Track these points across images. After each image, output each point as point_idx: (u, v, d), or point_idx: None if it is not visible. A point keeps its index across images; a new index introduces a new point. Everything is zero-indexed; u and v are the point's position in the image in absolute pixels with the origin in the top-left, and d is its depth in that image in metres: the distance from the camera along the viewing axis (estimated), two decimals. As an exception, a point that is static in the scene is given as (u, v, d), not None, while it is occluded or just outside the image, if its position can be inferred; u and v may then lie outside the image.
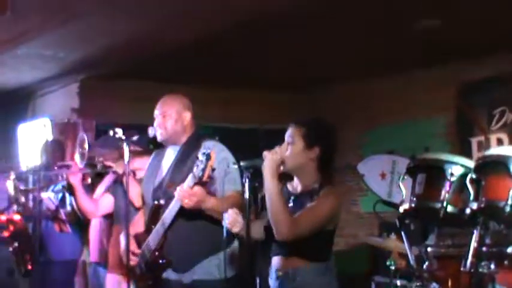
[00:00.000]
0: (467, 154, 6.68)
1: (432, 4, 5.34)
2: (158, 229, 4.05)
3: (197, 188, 3.85)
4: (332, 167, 3.70)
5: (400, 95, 7.72)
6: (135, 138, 4.28)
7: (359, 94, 8.13)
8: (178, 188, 3.88)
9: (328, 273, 3.60)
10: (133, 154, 4.71)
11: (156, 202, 4.12)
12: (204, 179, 3.75)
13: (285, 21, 5.74)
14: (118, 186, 5.10)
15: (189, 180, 3.81)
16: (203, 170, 3.72)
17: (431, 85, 7.40)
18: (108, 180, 5.53)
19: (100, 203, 5.33)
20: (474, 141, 7.06)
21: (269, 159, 3.49)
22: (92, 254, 5.62)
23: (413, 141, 7.41)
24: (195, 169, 3.75)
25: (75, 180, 5.26)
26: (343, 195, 3.69)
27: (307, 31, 6.06)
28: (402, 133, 7.66)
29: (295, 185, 3.71)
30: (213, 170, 3.78)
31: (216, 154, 3.93)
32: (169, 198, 3.98)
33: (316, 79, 8.00)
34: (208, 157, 3.71)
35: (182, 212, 3.91)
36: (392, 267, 4.57)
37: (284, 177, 3.81)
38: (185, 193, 3.83)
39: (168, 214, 3.98)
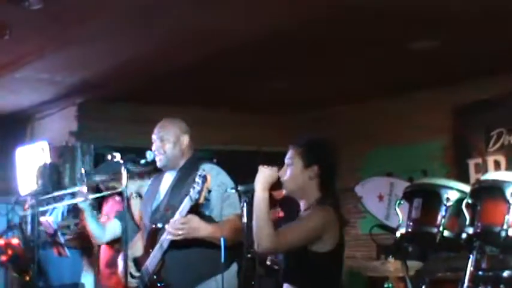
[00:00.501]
0: (465, 176, 6.71)
1: (429, 27, 5.37)
2: (156, 253, 4.07)
3: (191, 217, 3.88)
4: (333, 186, 3.68)
5: (398, 118, 7.73)
6: (138, 161, 4.31)
7: (358, 116, 8.14)
8: (171, 221, 3.92)
9: None
10: (142, 174, 4.76)
11: (153, 226, 4.14)
12: (200, 201, 3.78)
13: (284, 45, 5.77)
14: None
15: (186, 203, 3.84)
16: (199, 192, 3.76)
17: (429, 107, 7.42)
18: (112, 202, 5.57)
19: (107, 228, 5.33)
20: (471, 164, 7.06)
21: (263, 172, 3.48)
22: (102, 278, 5.60)
23: (411, 163, 7.42)
24: (191, 191, 3.79)
25: (85, 205, 5.28)
26: (337, 215, 3.65)
27: (306, 54, 6.09)
28: (400, 155, 7.68)
29: (301, 207, 3.66)
30: (209, 191, 3.80)
31: (213, 177, 3.97)
32: (167, 221, 4.00)
33: (316, 102, 8.03)
34: (204, 179, 3.75)
35: None
36: (390, 290, 4.58)
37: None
38: (177, 223, 3.88)
39: (166, 238, 4.00)
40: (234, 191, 3.66)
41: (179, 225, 3.90)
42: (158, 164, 4.24)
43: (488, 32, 5.50)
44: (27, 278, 5.95)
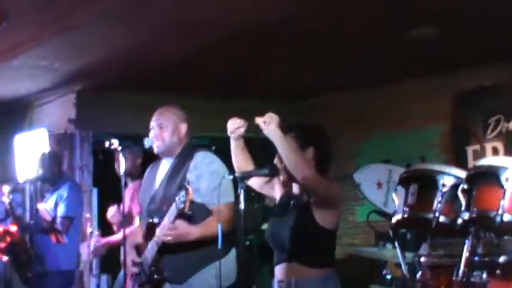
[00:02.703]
0: (463, 163, 6.72)
1: (428, 15, 5.38)
2: (153, 246, 4.11)
3: (178, 223, 3.94)
4: (328, 169, 3.70)
5: (396, 105, 7.75)
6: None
7: (356, 104, 8.16)
8: (161, 225, 3.98)
9: (332, 281, 3.59)
10: None
11: (150, 220, 4.17)
12: (186, 210, 3.81)
13: (282, 34, 5.78)
14: None
15: (172, 209, 3.87)
16: (184, 202, 3.79)
17: (427, 95, 7.43)
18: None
19: None
20: (470, 150, 7.09)
21: (272, 117, 3.51)
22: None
23: (409, 150, 7.45)
24: (177, 199, 3.82)
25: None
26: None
27: (306, 43, 6.10)
28: (398, 143, 7.70)
29: (294, 189, 3.70)
30: (192, 202, 3.83)
31: (205, 166, 4.05)
32: (163, 216, 4.03)
33: (314, 90, 8.05)
34: (187, 191, 3.77)
35: None
36: (389, 277, 4.60)
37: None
38: (165, 229, 3.94)
39: (161, 233, 4.03)
40: (230, 177, 3.69)
41: (167, 231, 3.95)
42: (155, 151, 4.25)
43: (486, 21, 5.53)
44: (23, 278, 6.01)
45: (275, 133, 3.50)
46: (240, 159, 3.82)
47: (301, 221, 3.58)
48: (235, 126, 3.69)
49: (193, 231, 3.99)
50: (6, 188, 6.05)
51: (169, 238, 3.96)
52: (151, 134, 4.24)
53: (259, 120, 3.55)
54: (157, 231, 4.03)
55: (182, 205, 3.79)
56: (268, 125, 3.51)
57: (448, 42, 6.10)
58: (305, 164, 3.50)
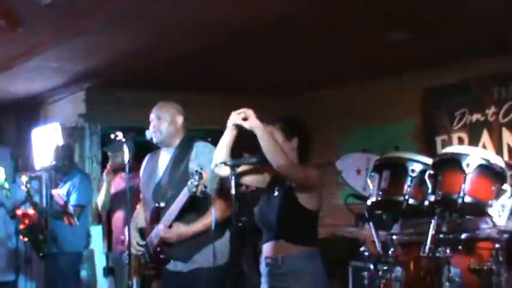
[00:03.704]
0: (433, 151, 6.76)
1: (402, 17, 5.41)
2: (158, 232, 4.12)
3: (176, 225, 4.01)
4: (310, 157, 3.72)
5: (373, 100, 7.78)
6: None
7: (337, 100, 8.19)
8: (158, 227, 4.06)
9: (315, 258, 3.60)
10: None
11: (156, 205, 4.19)
12: (197, 194, 3.81)
13: (274, 33, 5.75)
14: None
15: (184, 193, 3.89)
16: (196, 186, 3.79)
17: (401, 91, 7.48)
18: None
19: None
20: (439, 140, 7.14)
21: (249, 112, 3.52)
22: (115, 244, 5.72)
23: (385, 141, 7.47)
24: (189, 183, 3.81)
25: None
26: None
27: (291, 43, 6.10)
28: (376, 134, 7.73)
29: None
30: (205, 187, 3.84)
31: (206, 154, 4.04)
32: (168, 200, 4.06)
33: (299, 86, 8.07)
34: (200, 176, 3.77)
35: (179, 216, 4.02)
36: (366, 253, 4.64)
37: None
38: (163, 233, 4.02)
39: (167, 217, 4.06)
40: (223, 165, 3.72)
41: (166, 235, 4.02)
42: (154, 141, 4.26)
43: (450, 26, 5.59)
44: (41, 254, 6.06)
45: (258, 125, 3.49)
46: (228, 149, 3.71)
47: (286, 203, 3.60)
48: (241, 116, 3.57)
49: (190, 230, 4.04)
50: (24, 178, 6.11)
51: (169, 241, 4.04)
52: (151, 125, 4.27)
53: (237, 117, 3.54)
54: (158, 230, 4.08)
55: (194, 189, 3.77)
56: (250, 119, 3.51)
57: (420, 44, 6.14)
58: (282, 154, 3.47)
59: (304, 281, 3.55)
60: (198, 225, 4.04)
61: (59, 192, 6.01)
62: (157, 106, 4.32)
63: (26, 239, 6.25)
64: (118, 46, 6.07)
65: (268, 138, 3.49)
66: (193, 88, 7.60)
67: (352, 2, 4.98)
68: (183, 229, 4.02)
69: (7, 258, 7.76)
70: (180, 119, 4.28)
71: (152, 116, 4.28)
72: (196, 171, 3.78)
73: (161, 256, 4.12)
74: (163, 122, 4.23)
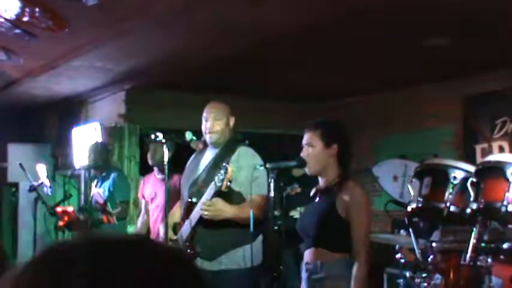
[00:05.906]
0: (472, 160, 6.67)
1: (441, 23, 5.34)
2: (188, 225, 4.15)
3: (216, 199, 3.94)
4: (350, 163, 3.69)
5: (412, 107, 7.72)
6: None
7: (376, 106, 8.15)
8: (200, 201, 4.01)
9: (349, 264, 3.55)
10: None
11: (189, 200, 4.20)
12: (223, 188, 3.82)
13: (311, 39, 5.74)
14: None
15: (211, 187, 3.89)
16: (222, 180, 3.79)
17: (441, 98, 7.41)
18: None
19: None
20: (478, 148, 7.04)
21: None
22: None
23: (423, 148, 7.40)
24: (216, 178, 3.83)
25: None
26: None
27: (330, 49, 6.07)
28: (414, 141, 7.66)
29: (320, 183, 3.69)
30: (230, 181, 3.83)
31: (247, 158, 4.04)
32: (201, 197, 4.06)
33: (337, 92, 8.03)
34: (226, 170, 3.77)
35: None
36: (402, 260, 4.59)
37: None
38: (203, 205, 3.95)
39: (195, 215, 4.07)
40: (262, 168, 3.71)
41: (205, 206, 3.97)
42: (208, 141, 4.24)
43: (491, 33, 5.48)
44: None
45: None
46: None
47: (325, 211, 3.58)
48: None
49: (228, 209, 4.01)
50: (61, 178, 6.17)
51: (206, 213, 3.97)
52: (207, 125, 4.21)
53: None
54: (195, 209, 4.06)
55: (220, 183, 3.79)
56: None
57: (460, 51, 6.05)
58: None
59: (341, 287, 3.52)
60: (236, 211, 4.02)
61: (99, 191, 6.05)
62: (212, 105, 4.30)
63: (64, 236, 6.30)
64: (158, 47, 6.10)
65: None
66: (232, 91, 7.59)
67: (391, 9, 4.92)
68: (221, 206, 4.00)
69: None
70: (232, 120, 4.28)
71: (206, 116, 4.24)
72: (224, 165, 3.77)
73: (188, 251, 4.12)
74: (220, 123, 4.21)
